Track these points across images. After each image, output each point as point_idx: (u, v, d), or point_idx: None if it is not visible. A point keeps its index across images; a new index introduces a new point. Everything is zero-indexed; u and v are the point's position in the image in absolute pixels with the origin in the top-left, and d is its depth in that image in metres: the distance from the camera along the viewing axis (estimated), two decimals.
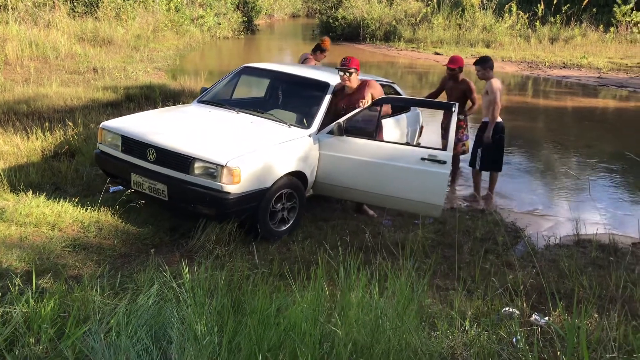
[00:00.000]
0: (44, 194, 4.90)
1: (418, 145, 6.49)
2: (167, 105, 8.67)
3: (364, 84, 5.19)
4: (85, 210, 4.68)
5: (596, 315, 3.29)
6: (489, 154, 6.00)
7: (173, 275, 3.31)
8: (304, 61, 7.37)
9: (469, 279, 3.95)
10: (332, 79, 5.42)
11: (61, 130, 6.69)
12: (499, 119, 6.01)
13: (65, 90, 9.40)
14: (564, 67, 17.33)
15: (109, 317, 2.76)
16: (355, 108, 5.01)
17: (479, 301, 3.52)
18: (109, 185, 5.14)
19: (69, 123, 6.88)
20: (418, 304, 3.05)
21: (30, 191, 4.92)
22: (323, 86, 5.33)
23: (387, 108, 5.18)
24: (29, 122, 7.16)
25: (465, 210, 5.80)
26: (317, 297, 2.68)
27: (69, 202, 4.77)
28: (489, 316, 3.27)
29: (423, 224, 4.99)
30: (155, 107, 8.72)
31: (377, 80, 6.28)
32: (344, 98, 5.16)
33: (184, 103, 9.19)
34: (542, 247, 4.90)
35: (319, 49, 7.43)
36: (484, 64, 6.01)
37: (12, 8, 15.63)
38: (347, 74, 5.07)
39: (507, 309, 3.46)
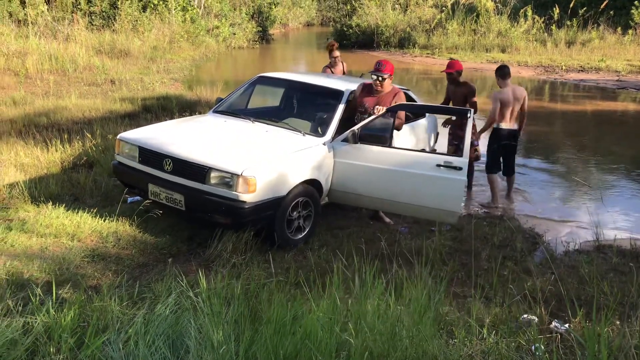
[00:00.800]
0: (64, 205, 4.97)
1: (434, 151, 6.48)
2: (184, 116, 8.76)
3: (395, 91, 5.20)
4: (104, 221, 4.74)
5: (618, 322, 3.24)
6: (491, 158, 6.25)
7: (190, 284, 3.34)
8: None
9: (486, 286, 3.90)
10: (346, 86, 5.45)
11: (80, 142, 6.80)
12: (505, 126, 6.16)
13: (84, 102, 9.55)
14: (582, 70, 17.15)
15: (127, 326, 2.78)
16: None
17: (497, 308, 3.49)
18: (127, 195, 5.19)
19: (87, 135, 6.98)
20: (435, 312, 3.03)
21: (50, 202, 5.00)
22: (337, 94, 5.35)
23: (400, 118, 5.16)
24: (48, 134, 7.28)
25: (483, 216, 5.75)
26: (332, 305, 2.68)
27: (87, 212, 4.84)
28: (508, 324, 3.23)
29: (440, 230, 4.96)
30: (172, 118, 8.81)
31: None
32: (373, 97, 5.16)
33: (200, 113, 9.28)
34: (561, 253, 4.84)
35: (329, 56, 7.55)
36: (496, 73, 6.23)
37: (32, 22, 15.97)
38: (380, 79, 5.10)
39: (525, 316, 3.42)
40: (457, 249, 4.74)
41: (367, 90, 5.27)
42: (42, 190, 5.36)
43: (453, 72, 6.35)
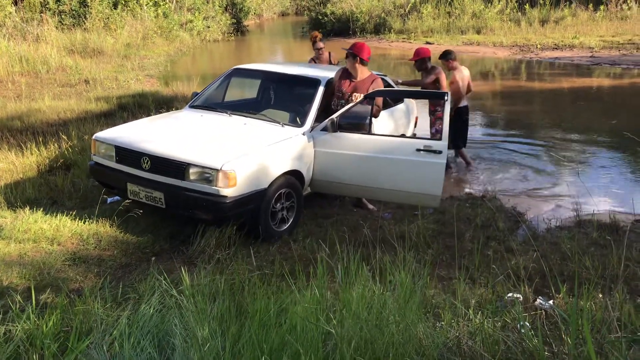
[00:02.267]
0: (42, 209, 4.88)
1: (414, 136, 6.50)
2: (161, 112, 8.66)
3: (372, 77, 5.17)
4: (84, 223, 4.67)
5: (600, 296, 3.28)
6: (460, 135, 6.71)
7: (174, 282, 3.31)
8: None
9: (471, 267, 3.93)
10: (323, 74, 5.41)
11: (55, 144, 6.67)
12: (463, 103, 6.68)
13: (58, 104, 9.38)
14: (556, 48, 17.30)
15: (112, 328, 2.75)
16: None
17: (482, 289, 3.52)
18: (106, 196, 5.12)
19: (63, 136, 6.86)
20: (421, 296, 3.04)
21: (28, 207, 4.90)
22: (314, 83, 5.31)
23: (378, 105, 5.14)
24: (23, 138, 7.13)
25: (465, 198, 5.78)
26: (318, 295, 2.67)
27: (66, 215, 4.76)
28: (493, 303, 3.25)
29: (423, 214, 4.97)
30: (148, 115, 8.69)
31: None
32: (351, 83, 5.13)
33: (177, 109, 9.18)
34: (543, 230, 4.89)
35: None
36: (445, 58, 6.65)
37: None
38: (350, 58, 5.09)
39: (510, 295, 3.45)
40: (441, 232, 4.76)
41: (345, 75, 5.24)
42: (18, 195, 5.26)
43: (417, 59, 6.47)
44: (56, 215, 4.75)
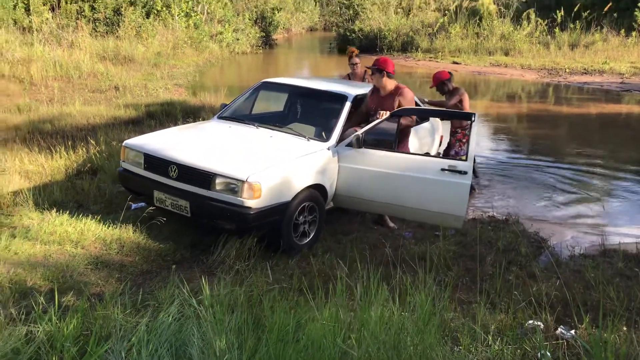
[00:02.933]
0: (67, 212, 4.97)
1: (438, 155, 6.47)
2: (188, 122, 8.77)
3: (397, 90, 5.19)
4: (107, 228, 4.74)
5: (625, 329, 3.21)
6: None
7: (194, 291, 3.33)
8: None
9: (492, 291, 3.88)
10: (350, 90, 5.46)
11: (84, 149, 6.81)
12: None
13: (88, 109, 9.58)
14: (585, 73, 17.11)
15: (130, 334, 2.77)
16: (384, 110, 5.02)
17: (503, 314, 3.47)
18: (131, 202, 5.19)
19: (92, 141, 6.99)
20: (440, 319, 3.01)
21: (54, 209, 5.00)
22: (341, 98, 5.36)
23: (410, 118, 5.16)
24: (52, 141, 7.29)
25: (487, 220, 5.72)
26: (336, 313, 2.66)
27: (91, 219, 4.84)
28: (513, 330, 3.21)
29: (444, 235, 4.94)
30: (176, 124, 8.82)
31: None
32: (377, 99, 5.20)
33: (204, 119, 9.29)
34: (567, 257, 4.81)
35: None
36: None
37: (36, 30, 16.04)
38: (371, 72, 5.17)
39: (531, 322, 3.40)
40: (462, 254, 4.71)
41: (373, 90, 5.31)
42: (46, 197, 5.37)
43: (437, 84, 6.46)
44: (81, 219, 4.83)
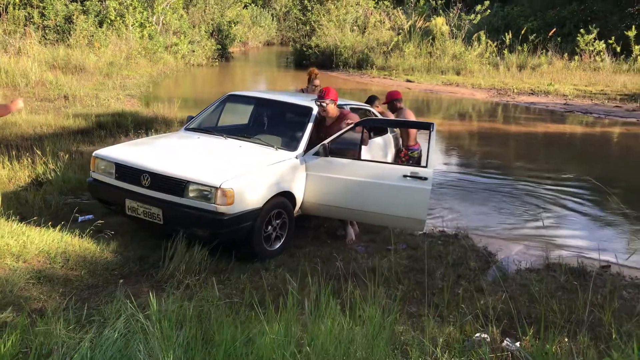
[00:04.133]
0: (9, 224, 4.77)
1: (401, 162, 6.61)
2: (139, 133, 8.62)
3: (341, 116, 5.33)
4: (52, 241, 4.57)
5: (566, 340, 3.32)
6: None
7: (142, 306, 3.25)
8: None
9: (441, 304, 3.95)
10: (314, 103, 5.57)
11: (29, 159, 6.57)
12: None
13: (35, 118, 9.27)
14: (532, 93, 17.76)
15: (73, 351, 2.67)
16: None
17: (451, 327, 3.52)
18: (77, 215, 5.04)
19: (38, 151, 6.76)
20: (390, 331, 3.04)
21: None
22: (306, 110, 5.55)
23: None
24: None
25: (438, 235, 5.83)
26: (286, 327, 2.65)
27: (35, 232, 4.66)
28: (460, 343, 3.26)
29: (396, 249, 5.01)
30: (127, 135, 8.66)
31: (354, 105, 6.44)
32: (324, 128, 5.34)
33: (157, 130, 9.15)
34: (513, 271, 4.94)
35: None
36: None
37: None
38: (323, 105, 5.26)
39: (478, 335, 3.47)
40: (413, 268, 4.78)
41: (322, 122, 5.42)
42: None
43: (388, 102, 6.66)
44: (24, 232, 4.65)
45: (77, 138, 8.15)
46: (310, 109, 5.52)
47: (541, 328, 3.21)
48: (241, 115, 6.59)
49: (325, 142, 5.04)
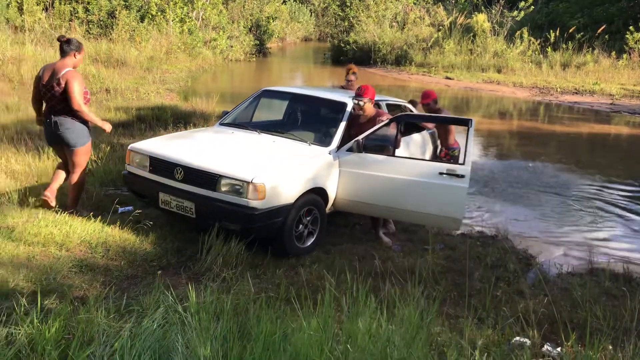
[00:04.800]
0: (53, 214, 4.90)
1: (436, 159, 6.53)
2: (179, 127, 8.74)
3: (376, 116, 5.24)
4: (93, 231, 4.67)
5: (610, 348, 3.20)
6: None
7: (179, 298, 3.28)
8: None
9: (479, 306, 3.87)
10: (349, 98, 5.54)
11: None
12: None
13: None
14: (576, 93, 17.29)
15: (113, 340, 2.72)
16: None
17: (490, 330, 3.45)
18: (118, 205, 5.14)
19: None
20: (427, 333, 2.99)
21: (40, 211, 4.93)
22: (341, 105, 5.50)
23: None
24: (40, 142, 7.20)
25: (476, 236, 5.72)
26: (323, 324, 2.63)
27: (77, 222, 4.77)
28: (500, 346, 3.19)
29: (433, 249, 4.93)
30: (166, 128, 8.79)
31: (391, 101, 6.36)
32: (358, 126, 5.25)
33: (195, 124, 9.27)
34: (554, 275, 4.82)
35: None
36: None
37: (29, 29, 15.94)
38: (360, 103, 5.19)
39: (518, 338, 3.39)
40: (450, 269, 4.70)
41: (355, 119, 5.34)
42: (32, 198, 5.29)
43: (429, 101, 6.47)
44: (67, 221, 4.76)
45: (118, 131, 8.31)
46: (344, 105, 5.46)
47: (584, 334, 3.11)
48: (276, 110, 6.61)
49: (359, 137, 4.97)
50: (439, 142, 6.79)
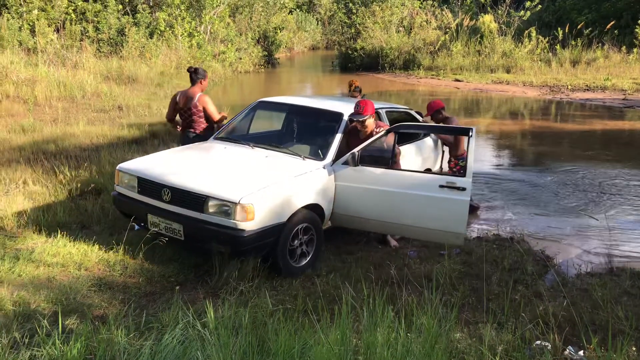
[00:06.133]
0: (71, 234, 4.97)
1: (440, 170, 6.46)
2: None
3: (375, 128, 5.11)
4: (111, 249, 4.72)
5: (634, 349, 3.17)
6: None
7: (197, 313, 3.31)
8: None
9: (498, 311, 3.84)
10: (346, 108, 5.40)
11: (87, 169, 6.82)
12: None
13: (92, 129, 9.62)
14: (587, 89, 17.15)
15: (134, 358, 2.75)
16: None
17: (510, 335, 3.42)
18: (134, 223, 5.19)
19: (95, 161, 7.00)
20: (446, 340, 2.98)
21: (58, 231, 4.99)
22: (336, 116, 5.33)
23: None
24: (56, 161, 7.31)
25: (492, 239, 5.69)
26: (342, 336, 2.63)
27: (95, 240, 4.83)
28: (521, 351, 3.16)
29: (449, 254, 4.90)
30: (179, 143, 8.84)
31: (392, 108, 6.24)
32: (359, 141, 5.04)
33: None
34: (573, 276, 4.77)
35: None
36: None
37: (41, 51, 16.18)
38: (360, 122, 5.04)
39: (539, 342, 3.36)
40: (467, 273, 4.68)
41: (354, 131, 5.20)
42: (49, 218, 5.37)
43: (432, 113, 6.37)
44: (85, 240, 4.83)
45: (131, 147, 8.40)
46: (340, 115, 5.28)
47: (606, 336, 3.07)
48: (275, 121, 6.50)
49: (355, 150, 4.81)
50: (446, 149, 6.71)
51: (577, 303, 4.01)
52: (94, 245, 4.75)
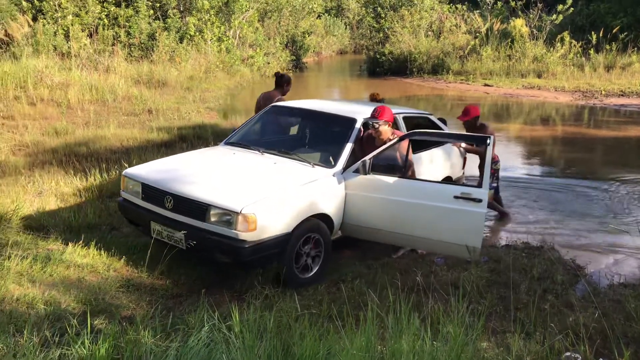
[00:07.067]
0: (101, 235, 5.06)
1: (459, 179, 6.34)
2: (218, 144, 8.87)
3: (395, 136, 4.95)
4: (139, 251, 4.79)
5: None
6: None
7: (223, 316, 3.32)
8: None
9: (526, 321, 3.77)
10: (360, 113, 5.24)
11: (117, 172, 6.94)
12: None
13: (122, 132, 9.79)
14: (622, 95, 16.75)
15: (161, 359, 2.77)
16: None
17: (538, 345, 3.35)
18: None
19: (125, 164, 7.13)
20: (473, 349, 2.93)
21: (88, 231, 5.09)
22: (349, 122, 5.16)
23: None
24: (87, 163, 7.46)
25: (521, 247, 5.58)
26: (367, 343, 2.61)
27: (123, 242, 4.91)
28: None
29: (477, 262, 4.83)
30: (207, 147, 8.94)
31: (411, 113, 6.07)
32: (372, 149, 4.87)
33: None
34: (605, 286, 4.65)
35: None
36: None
37: (75, 55, 16.57)
38: (375, 126, 4.89)
39: (569, 354, 3.28)
40: (495, 282, 4.59)
41: (370, 139, 5.06)
42: (80, 219, 5.47)
43: (470, 119, 6.16)
44: (114, 241, 4.90)
45: (160, 150, 8.51)
46: (353, 121, 5.10)
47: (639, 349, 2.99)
48: (289, 126, 6.33)
49: (366, 158, 4.62)
50: (468, 155, 6.55)
51: (609, 314, 3.91)
52: (123, 246, 4.82)
